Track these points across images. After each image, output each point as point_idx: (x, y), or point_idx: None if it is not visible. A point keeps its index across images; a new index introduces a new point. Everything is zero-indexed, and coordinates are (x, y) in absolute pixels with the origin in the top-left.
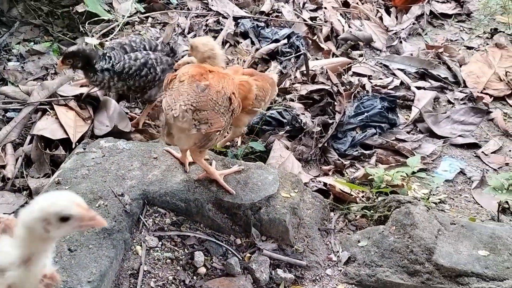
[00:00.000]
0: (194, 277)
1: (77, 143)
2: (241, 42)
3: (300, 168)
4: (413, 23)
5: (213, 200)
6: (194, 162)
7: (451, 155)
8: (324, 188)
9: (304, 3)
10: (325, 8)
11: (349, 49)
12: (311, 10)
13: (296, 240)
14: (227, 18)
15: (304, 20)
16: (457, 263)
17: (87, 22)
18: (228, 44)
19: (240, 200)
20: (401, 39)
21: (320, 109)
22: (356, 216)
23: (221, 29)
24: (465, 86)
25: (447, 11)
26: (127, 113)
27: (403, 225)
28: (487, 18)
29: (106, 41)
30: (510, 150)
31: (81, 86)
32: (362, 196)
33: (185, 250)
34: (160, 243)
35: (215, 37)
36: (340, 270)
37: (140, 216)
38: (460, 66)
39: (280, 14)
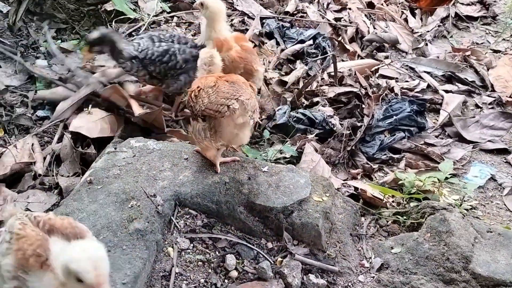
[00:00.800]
0: (226, 280)
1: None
2: (266, 43)
3: (330, 172)
4: (439, 25)
5: (245, 203)
6: (225, 162)
7: (481, 161)
8: (355, 192)
9: (328, 4)
10: (350, 9)
11: (375, 51)
12: (335, 11)
13: (328, 245)
14: (252, 18)
15: (329, 21)
16: (495, 273)
17: (113, 21)
18: (253, 45)
19: (272, 203)
20: (427, 41)
21: (348, 111)
22: (387, 221)
23: (246, 29)
24: (493, 90)
25: (472, 14)
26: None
27: (439, 232)
28: None
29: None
30: None
31: None
32: (392, 201)
33: (217, 252)
34: (192, 245)
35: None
36: (373, 277)
37: (172, 217)
38: (488, 69)
39: (305, 15)
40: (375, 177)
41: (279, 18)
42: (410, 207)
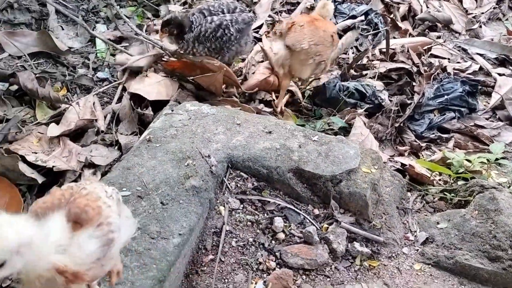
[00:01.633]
0: (273, 241)
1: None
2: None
3: (378, 148)
4: (494, 7)
5: (294, 169)
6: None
7: None
8: (401, 168)
9: None
10: None
11: (426, 30)
12: None
13: (374, 216)
14: None
15: None
16: None
17: None
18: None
19: (321, 171)
20: (481, 23)
21: (398, 88)
22: (434, 198)
23: (298, 3)
24: None
25: None
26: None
27: (487, 210)
28: None
29: (187, 10)
30: None
31: None
32: (439, 180)
33: (265, 214)
34: (242, 205)
35: (291, 10)
36: (417, 250)
37: (224, 178)
38: None
39: None
40: (423, 155)
41: None
42: (458, 185)
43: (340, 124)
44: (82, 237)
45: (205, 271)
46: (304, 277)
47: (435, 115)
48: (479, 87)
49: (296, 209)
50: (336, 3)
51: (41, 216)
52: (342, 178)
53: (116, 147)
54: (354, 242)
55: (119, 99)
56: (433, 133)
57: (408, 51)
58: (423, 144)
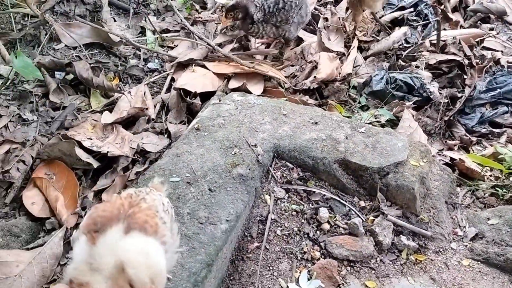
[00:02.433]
0: (318, 232)
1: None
2: (364, 9)
3: (426, 141)
4: None
5: (340, 161)
6: None
7: None
8: (450, 163)
9: None
10: None
11: (479, 22)
12: None
13: (422, 210)
14: None
15: None
16: None
17: None
18: (349, 11)
19: (368, 163)
20: None
21: (448, 81)
22: (484, 193)
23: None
24: None
25: None
26: None
27: None
28: None
29: None
30: None
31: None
32: (490, 175)
33: (310, 205)
34: (287, 195)
35: (338, 2)
36: (466, 246)
37: (270, 167)
38: None
39: None
40: (473, 150)
41: None
42: (510, 181)
43: (388, 116)
44: None
45: (250, 258)
46: (348, 268)
47: (487, 109)
48: None
49: (341, 200)
50: None
51: (100, 225)
52: (390, 171)
53: (166, 135)
54: (401, 235)
55: (168, 89)
56: (485, 128)
57: (459, 42)
58: (474, 139)
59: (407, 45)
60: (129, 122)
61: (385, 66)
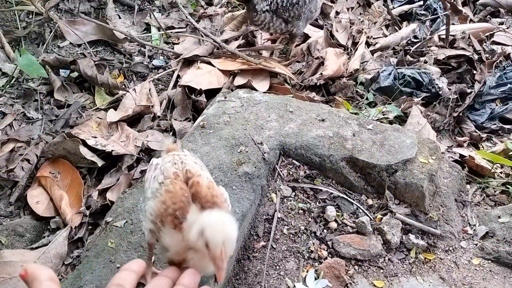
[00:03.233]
0: (325, 230)
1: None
2: (373, 3)
3: (435, 138)
4: None
5: (348, 158)
6: None
7: None
8: (460, 160)
9: None
10: None
11: (488, 16)
12: None
13: (431, 208)
14: None
15: None
16: None
17: None
18: (358, 5)
19: (376, 161)
20: None
21: (457, 76)
22: (495, 191)
23: None
24: None
25: None
26: None
27: None
28: None
29: None
30: None
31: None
32: (501, 172)
33: (317, 203)
34: (294, 193)
35: None
36: (476, 244)
37: (276, 165)
38: None
39: None
40: (483, 147)
41: None
42: None
43: (396, 112)
44: None
45: (256, 257)
46: (356, 267)
47: (497, 105)
48: None
49: (349, 198)
50: None
51: (181, 215)
52: (398, 168)
53: (171, 133)
54: (409, 234)
55: (174, 86)
56: (495, 124)
57: (469, 37)
58: (484, 135)
59: (416, 40)
60: (134, 120)
61: (393, 62)
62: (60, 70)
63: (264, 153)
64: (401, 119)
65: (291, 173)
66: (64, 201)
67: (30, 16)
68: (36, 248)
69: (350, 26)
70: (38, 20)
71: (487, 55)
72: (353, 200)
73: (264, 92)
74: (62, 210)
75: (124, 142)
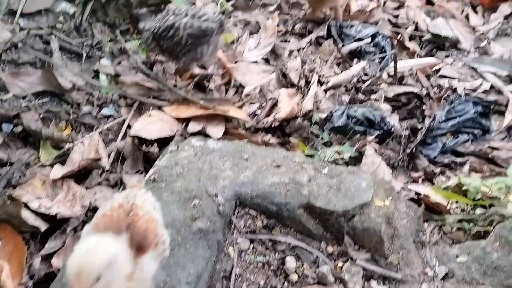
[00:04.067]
0: (286, 283)
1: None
2: (323, 42)
3: (391, 175)
4: (502, 23)
5: (305, 205)
6: None
7: None
8: (415, 197)
9: (385, 1)
10: (408, 6)
11: (434, 49)
12: (393, 8)
13: (390, 252)
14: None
15: (389, 19)
16: None
17: None
18: (309, 44)
19: (333, 206)
20: (490, 40)
21: (408, 112)
22: (452, 228)
23: (310, 32)
24: None
25: None
26: None
27: (509, 241)
28: None
29: None
30: None
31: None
32: (456, 207)
33: (276, 254)
34: (252, 246)
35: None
36: (437, 286)
37: (232, 217)
38: None
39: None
40: (437, 181)
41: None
42: (476, 214)
43: (350, 153)
44: (145, 261)
45: None
46: None
47: (448, 139)
48: (492, 107)
49: (308, 248)
50: (342, 26)
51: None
52: (355, 213)
53: (121, 188)
54: (371, 280)
55: (124, 136)
56: (447, 157)
57: (416, 73)
58: (437, 170)
59: (366, 78)
60: (82, 175)
61: (345, 100)
62: (3, 124)
63: (219, 205)
64: (357, 159)
65: (248, 224)
66: (5, 272)
67: None
68: None
69: (302, 66)
70: None
71: (435, 90)
72: (313, 248)
73: (218, 139)
74: (2, 283)
75: (71, 202)
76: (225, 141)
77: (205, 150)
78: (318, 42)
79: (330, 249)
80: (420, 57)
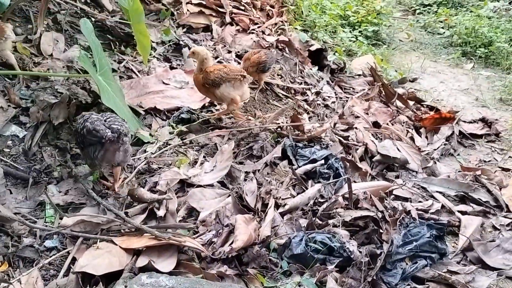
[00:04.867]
0: None
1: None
2: (278, 163)
3: None
4: (445, 144)
5: None
6: None
7: None
8: None
9: (335, 124)
10: (356, 128)
11: (384, 170)
12: (342, 130)
13: None
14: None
15: (340, 140)
16: None
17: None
18: (265, 165)
19: None
20: (435, 160)
21: (366, 236)
22: None
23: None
24: (509, 211)
25: (475, 131)
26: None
27: None
28: None
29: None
30: None
31: None
32: None
33: None
34: None
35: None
36: None
37: None
38: (500, 189)
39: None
40: None
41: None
42: None
43: (312, 286)
44: None
45: None
46: None
47: (407, 264)
48: (445, 229)
49: None
50: (297, 147)
51: None
52: None
53: None
54: None
55: (67, 272)
56: (408, 284)
57: (370, 197)
58: None
59: (322, 200)
60: None
61: (303, 225)
62: None
63: None
64: None
65: None
66: None
67: None
68: None
69: (259, 188)
70: None
71: (390, 212)
72: None
73: (172, 274)
74: None
75: None
76: (178, 277)
77: None
78: (274, 163)
79: None
80: (372, 177)
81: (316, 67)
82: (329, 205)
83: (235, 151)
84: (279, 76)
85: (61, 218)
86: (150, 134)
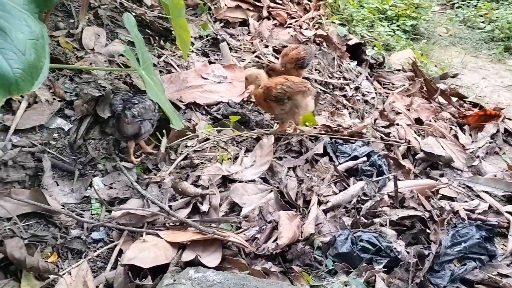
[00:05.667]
0: None
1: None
2: (319, 160)
3: None
4: (490, 142)
5: None
6: None
7: None
8: None
9: (375, 120)
10: (398, 124)
11: (428, 168)
12: (383, 127)
13: None
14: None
15: (382, 138)
16: None
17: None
18: (305, 162)
19: None
20: (480, 159)
21: (412, 237)
22: None
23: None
24: None
25: None
26: None
27: None
28: None
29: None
30: None
31: None
32: None
33: None
34: None
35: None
36: None
37: None
38: None
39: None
40: None
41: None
42: None
43: (360, 286)
44: None
45: None
46: None
47: (455, 265)
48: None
49: None
50: (337, 144)
51: None
52: None
53: None
54: None
55: (115, 265)
56: (457, 286)
57: (417, 196)
58: None
59: (366, 198)
60: None
61: (348, 224)
62: None
63: None
64: None
65: None
66: None
67: None
68: None
69: (300, 184)
70: None
71: (437, 212)
72: None
73: (218, 270)
74: None
75: None
76: (225, 272)
77: (205, 284)
78: (315, 160)
79: None
80: (415, 175)
81: (355, 62)
82: (374, 204)
83: (273, 145)
84: (317, 71)
85: (108, 211)
86: (189, 128)
